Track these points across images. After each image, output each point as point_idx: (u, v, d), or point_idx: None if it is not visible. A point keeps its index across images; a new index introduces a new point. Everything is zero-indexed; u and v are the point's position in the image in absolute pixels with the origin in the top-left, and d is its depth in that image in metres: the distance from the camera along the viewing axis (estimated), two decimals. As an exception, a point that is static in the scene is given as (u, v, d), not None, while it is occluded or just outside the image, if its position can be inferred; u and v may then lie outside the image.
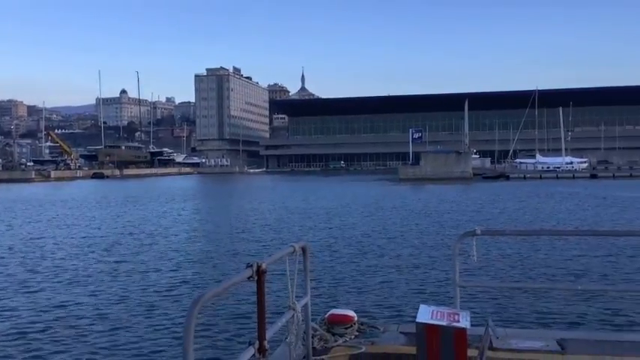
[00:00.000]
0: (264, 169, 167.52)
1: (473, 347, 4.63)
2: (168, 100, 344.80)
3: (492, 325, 4.90)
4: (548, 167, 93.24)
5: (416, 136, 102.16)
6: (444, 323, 4.10)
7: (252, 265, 3.22)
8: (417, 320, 4.18)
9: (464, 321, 4.10)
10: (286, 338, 4.10)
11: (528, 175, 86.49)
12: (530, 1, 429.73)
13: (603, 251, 16.46)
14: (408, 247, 18.82)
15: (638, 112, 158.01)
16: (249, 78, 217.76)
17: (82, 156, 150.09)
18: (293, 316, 3.95)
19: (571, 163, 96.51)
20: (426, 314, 4.23)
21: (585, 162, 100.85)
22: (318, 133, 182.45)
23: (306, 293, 4.46)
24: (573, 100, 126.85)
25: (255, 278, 3.25)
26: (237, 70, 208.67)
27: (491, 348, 4.87)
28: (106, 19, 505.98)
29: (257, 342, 3.25)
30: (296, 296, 4.36)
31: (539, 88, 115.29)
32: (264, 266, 3.29)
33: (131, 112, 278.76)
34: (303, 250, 4.38)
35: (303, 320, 4.47)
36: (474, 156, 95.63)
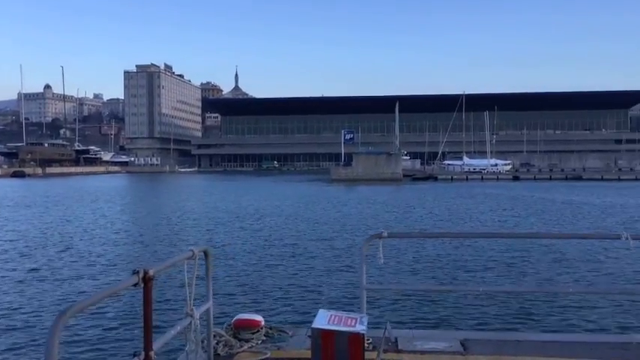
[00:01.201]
0: (196, 168, 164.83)
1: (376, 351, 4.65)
2: (96, 96, 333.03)
3: (390, 328, 4.94)
4: (474, 169, 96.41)
5: (348, 137, 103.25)
6: (339, 328, 4.09)
7: (138, 272, 3.06)
8: (313, 326, 4.16)
9: (360, 325, 4.11)
10: (187, 347, 3.96)
11: (455, 177, 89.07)
12: (461, 6, 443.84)
13: (508, 253, 17.00)
14: (325, 249, 18.77)
15: (558, 117, 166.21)
16: (181, 76, 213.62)
17: (1, 153, 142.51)
18: (191, 323, 3.81)
19: (496, 165, 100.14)
20: (323, 319, 4.21)
21: (509, 164, 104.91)
22: (251, 132, 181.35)
23: (209, 299, 4.33)
24: (498, 105, 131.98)
25: (142, 285, 3.10)
26: (168, 68, 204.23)
27: (396, 350, 4.91)
28: (29, 11, 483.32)
29: (142, 353, 3.11)
30: (199, 302, 4.22)
31: (467, 92, 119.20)
32: (151, 273, 3.14)
33: (56, 109, 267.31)
34: (205, 254, 4.26)
35: (204, 327, 4.34)
36: (404, 157, 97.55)
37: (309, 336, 4.41)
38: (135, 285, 3.01)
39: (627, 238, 4.81)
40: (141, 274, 3.04)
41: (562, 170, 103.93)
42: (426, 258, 16.37)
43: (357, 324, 4.16)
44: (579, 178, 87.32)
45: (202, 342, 4.51)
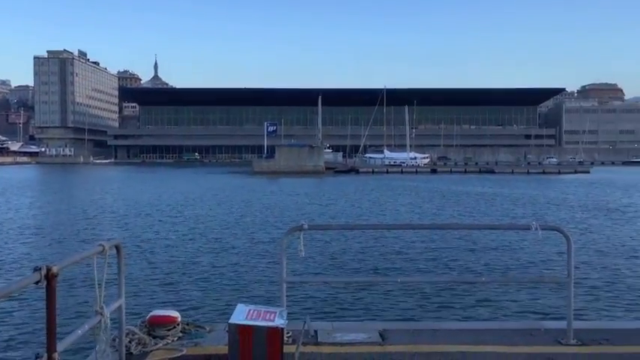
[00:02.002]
0: (113, 160, 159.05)
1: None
2: (3, 82, 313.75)
3: (309, 321, 4.93)
4: (394, 162, 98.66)
5: (271, 129, 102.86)
6: (257, 323, 4.01)
7: (40, 269, 2.86)
8: (230, 321, 4.06)
9: (280, 319, 4.05)
10: (96, 347, 3.76)
11: (376, 170, 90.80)
12: (383, 2, 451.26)
13: (426, 244, 17.47)
14: (246, 242, 18.58)
15: (473, 113, 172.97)
16: (96, 63, 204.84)
17: None
18: (100, 321, 3.62)
19: (415, 158, 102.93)
20: (241, 314, 4.11)
21: (427, 158, 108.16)
22: (171, 123, 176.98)
23: (121, 295, 4.13)
24: (418, 100, 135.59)
25: (45, 283, 2.89)
26: (82, 54, 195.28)
27: (316, 343, 4.90)
28: None
29: (45, 355, 2.92)
30: (110, 299, 4.01)
31: (388, 87, 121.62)
32: (55, 269, 2.94)
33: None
34: (117, 248, 4.05)
35: (115, 325, 4.14)
36: (326, 150, 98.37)
37: (227, 331, 4.31)
38: (37, 283, 2.82)
39: (537, 229, 5.01)
40: (43, 272, 2.86)
41: (476, 164, 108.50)
42: (347, 250, 16.55)
43: (276, 318, 4.09)
44: (492, 172, 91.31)
45: (114, 341, 4.32)
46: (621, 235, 20.54)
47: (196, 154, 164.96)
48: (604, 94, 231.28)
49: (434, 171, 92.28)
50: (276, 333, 3.96)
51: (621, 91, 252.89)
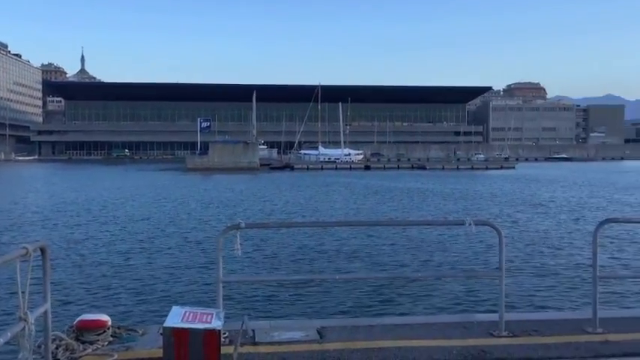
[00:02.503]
0: (36, 156, 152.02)
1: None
2: None
3: (247, 321, 4.85)
4: (329, 158, 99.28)
5: (204, 125, 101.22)
6: (193, 325, 3.90)
7: None
8: (165, 324, 3.93)
9: (217, 321, 3.95)
10: (20, 354, 3.54)
11: (311, 166, 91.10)
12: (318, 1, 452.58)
13: (363, 240, 17.66)
14: (181, 242, 18.18)
15: (406, 110, 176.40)
16: (18, 55, 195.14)
17: None
18: (24, 328, 3.42)
19: (349, 154, 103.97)
20: (177, 317, 3.99)
21: (361, 154, 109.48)
22: (99, 118, 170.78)
23: (46, 300, 3.92)
24: (352, 97, 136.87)
25: None
26: (3, 46, 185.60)
27: (253, 343, 4.83)
28: None
29: None
30: (36, 304, 3.79)
31: (323, 84, 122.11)
32: None
33: None
34: (42, 250, 3.83)
35: (41, 331, 3.93)
36: (261, 147, 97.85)
37: (161, 334, 4.17)
38: None
39: (470, 224, 5.13)
40: None
41: (408, 160, 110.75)
42: (285, 248, 16.50)
43: (213, 319, 3.99)
44: (424, 168, 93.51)
45: (39, 348, 4.10)
46: (547, 228, 21.48)
47: (126, 150, 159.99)
48: (528, 93, 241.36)
49: (368, 167, 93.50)
50: (213, 335, 3.87)
51: (544, 90, 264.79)
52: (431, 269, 13.79)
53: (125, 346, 4.77)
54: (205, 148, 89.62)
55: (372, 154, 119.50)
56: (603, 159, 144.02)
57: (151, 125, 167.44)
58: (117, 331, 5.06)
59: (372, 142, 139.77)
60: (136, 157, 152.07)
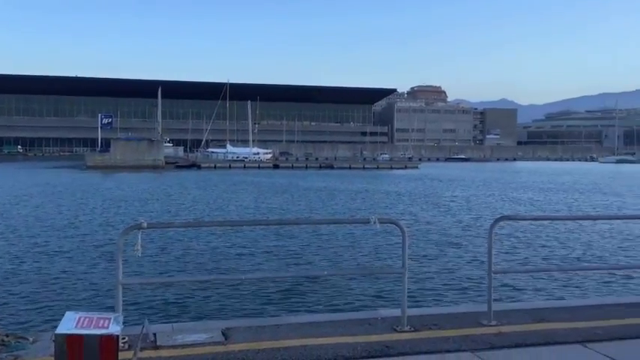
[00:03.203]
0: None
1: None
2: None
3: (148, 324, 4.69)
4: (237, 157, 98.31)
5: (106, 121, 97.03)
6: (88, 331, 3.69)
7: None
8: (57, 331, 3.70)
9: (115, 326, 3.77)
10: None
11: (219, 165, 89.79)
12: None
13: (270, 240, 17.61)
14: (79, 243, 17.35)
15: (314, 110, 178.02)
16: None
17: None
18: None
19: (257, 153, 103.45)
20: (70, 322, 3.76)
21: (269, 153, 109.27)
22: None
23: None
24: (261, 95, 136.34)
25: None
26: None
27: (155, 347, 4.67)
28: None
29: None
30: None
31: (231, 82, 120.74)
32: None
33: None
34: None
35: None
36: (166, 144, 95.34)
37: (54, 341, 3.92)
38: None
39: (375, 222, 5.23)
40: None
41: (317, 159, 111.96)
42: (190, 248, 16.11)
43: (110, 325, 3.80)
44: (331, 167, 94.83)
45: None
46: (448, 225, 22.43)
47: (19, 146, 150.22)
48: (430, 95, 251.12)
49: (276, 166, 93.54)
50: (110, 341, 3.68)
51: (444, 93, 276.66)
52: (337, 267, 13.98)
53: (13, 355, 4.48)
54: (107, 145, 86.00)
55: (281, 153, 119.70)
56: (498, 160, 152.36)
57: (48, 121, 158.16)
58: (5, 339, 4.75)
59: (281, 141, 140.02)
60: (29, 154, 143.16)
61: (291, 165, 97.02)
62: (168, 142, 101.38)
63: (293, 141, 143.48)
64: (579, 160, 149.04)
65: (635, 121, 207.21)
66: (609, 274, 12.61)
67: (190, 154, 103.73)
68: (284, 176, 63.66)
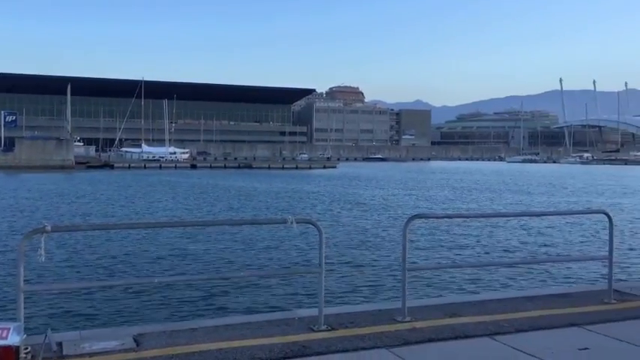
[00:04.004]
0: None
1: None
2: None
3: (51, 333, 4.44)
4: (153, 157, 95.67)
5: (9, 119, 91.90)
6: (-16, 343, 3.44)
7: None
8: (-54, 345, 3.42)
9: (14, 336, 3.54)
10: None
11: (133, 165, 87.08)
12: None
13: (185, 242, 17.17)
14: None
15: (233, 109, 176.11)
16: None
17: None
18: None
19: (174, 153, 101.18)
20: (-33, 334, 3.49)
21: (187, 153, 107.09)
22: None
23: None
24: (177, 94, 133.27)
25: None
26: None
27: (60, 356, 4.44)
28: None
29: None
30: None
31: (146, 79, 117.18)
32: None
33: None
34: None
35: None
36: (77, 144, 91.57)
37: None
38: None
39: (292, 222, 5.22)
40: None
41: (235, 159, 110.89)
42: (100, 252, 15.43)
43: (10, 335, 3.57)
44: (250, 167, 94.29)
45: None
46: (365, 224, 22.81)
47: None
48: (348, 96, 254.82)
49: (194, 166, 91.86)
50: (9, 352, 3.45)
51: (362, 94, 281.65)
52: (254, 268, 13.87)
53: None
54: (11, 144, 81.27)
55: (199, 153, 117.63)
56: (413, 159, 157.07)
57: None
58: None
59: (199, 140, 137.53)
60: None
61: (209, 165, 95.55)
62: (79, 141, 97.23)
63: (211, 140, 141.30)
64: (488, 160, 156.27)
65: (539, 122, 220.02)
66: (517, 268, 13.25)
67: (103, 154, 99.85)
68: (202, 176, 62.58)
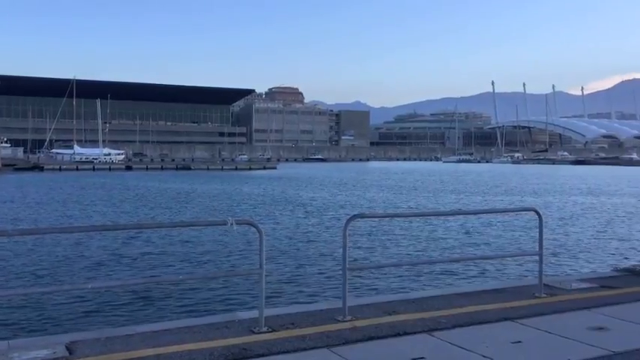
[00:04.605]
0: None
1: None
2: None
3: None
4: (86, 158, 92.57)
5: None
6: None
7: None
8: None
9: None
10: None
11: (64, 167, 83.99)
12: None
13: (119, 246, 16.71)
14: None
15: (169, 109, 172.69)
16: None
17: None
18: None
19: (109, 154, 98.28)
20: None
21: (122, 154, 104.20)
22: None
23: None
24: (111, 93, 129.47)
25: None
26: None
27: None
28: None
29: None
30: None
31: (78, 78, 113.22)
32: None
33: None
34: None
35: None
36: (3, 145, 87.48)
37: None
38: None
39: (232, 224, 5.17)
40: None
41: (173, 160, 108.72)
42: (30, 258, 14.79)
43: None
44: (188, 168, 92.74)
45: None
46: (306, 224, 22.86)
47: None
48: (288, 97, 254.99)
49: (129, 168, 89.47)
50: None
51: (302, 95, 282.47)
52: (193, 271, 13.64)
53: None
54: None
55: (135, 154, 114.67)
56: (353, 160, 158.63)
57: None
58: None
59: (135, 141, 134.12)
60: None
61: (145, 166, 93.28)
62: (6, 142, 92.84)
63: (147, 141, 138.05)
64: (425, 160, 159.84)
65: (473, 123, 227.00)
66: (454, 265, 13.60)
67: (32, 156, 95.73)
68: (137, 178, 61.04)
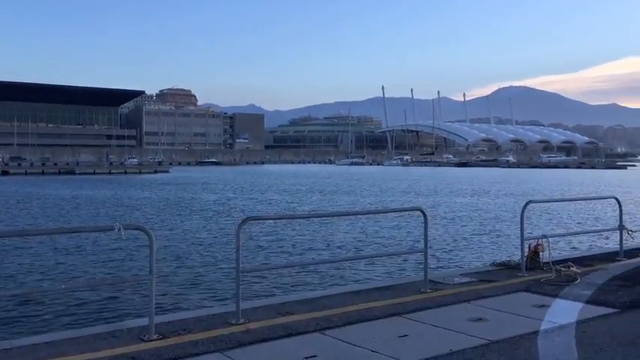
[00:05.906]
0: None
1: None
2: None
3: None
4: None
5: None
6: None
7: None
8: None
9: None
10: None
11: None
12: None
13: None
14: None
15: (52, 111, 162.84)
16: None
17: None
18: None
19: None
20: None
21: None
22: None
23: None
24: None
25: None
26: None
27: None
28: None
29: None
30: None
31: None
32: None
33: None
34: None
35: None
36: None
37: None
38: None
39: (120, 229, 5.00)
40: None
41: (55, 164, 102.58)
42: None
43: None
44: (73, 172, 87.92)
45: None
46: (198, 229, 22.46)
47: None
48: (180, 99, 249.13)
49: (5, 172, 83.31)
50: None
51: (194, 97, 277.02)
52: (79, 280, 12.99)
53: None
54: None
55: (12, 158, 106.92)
56: (247, 163, 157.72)
57: None
58: None
59: (12, 144, 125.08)
60: None
61: (24, 171, 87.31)
62: None
63: (27, 145, 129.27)
64: (320, 163, 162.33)
65: (365, 127, 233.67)
66: (345, 264, 13.94)
67: None
68: (15, 184, 57.01)
